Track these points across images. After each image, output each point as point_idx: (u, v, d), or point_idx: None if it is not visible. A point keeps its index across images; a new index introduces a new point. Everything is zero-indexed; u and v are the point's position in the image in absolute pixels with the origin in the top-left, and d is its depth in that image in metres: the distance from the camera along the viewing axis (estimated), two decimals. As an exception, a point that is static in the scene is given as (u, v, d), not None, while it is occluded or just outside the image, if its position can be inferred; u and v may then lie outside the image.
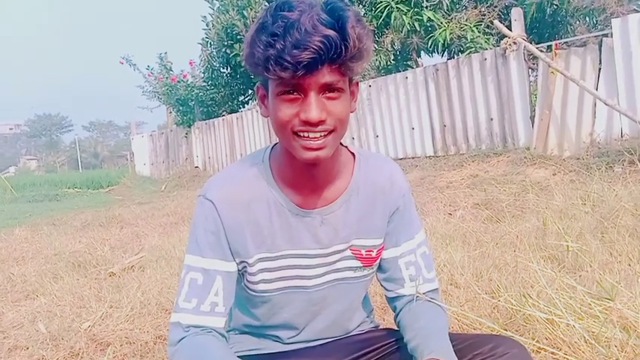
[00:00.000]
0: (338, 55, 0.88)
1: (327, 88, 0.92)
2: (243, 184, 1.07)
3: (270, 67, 0.88)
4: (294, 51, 0.85)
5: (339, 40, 0.87)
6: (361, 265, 1.15)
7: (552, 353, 1.46)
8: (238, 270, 1.10)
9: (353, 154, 1.15)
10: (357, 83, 1.04)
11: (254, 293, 1.12)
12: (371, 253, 1.15)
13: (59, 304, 2.72)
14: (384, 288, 1.21)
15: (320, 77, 0.90)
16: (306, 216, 1.08)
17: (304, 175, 1.06)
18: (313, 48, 0.86)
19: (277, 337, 1.19)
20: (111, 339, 2.11)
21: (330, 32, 0.87)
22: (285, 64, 0.86)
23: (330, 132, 0.95)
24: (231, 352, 1.06)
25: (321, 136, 0.94)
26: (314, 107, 0.91)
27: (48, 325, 2.34)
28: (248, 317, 1.19)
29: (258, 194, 1.07)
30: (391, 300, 1.22)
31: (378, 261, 1.17)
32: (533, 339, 1.51)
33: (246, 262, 1.08)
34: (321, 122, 0.93)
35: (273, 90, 0.94)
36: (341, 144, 1.11)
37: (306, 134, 0.94)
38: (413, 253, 1.18)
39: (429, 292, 1.17)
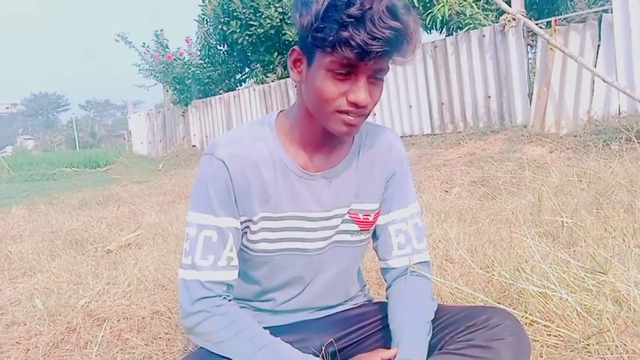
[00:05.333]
0: (400, 48, 0.93)
1: (375, 74, 0.97)
2: (250, 144, 1.08)
3: (339, 47, 0.90)
4: (367, 37, 0.88)
5: (403, 34, 0.91)
6: (358, 229, 1.18)
7: (545, 326, 1.47)
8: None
9: None
10: None
11: (254, 253, 1.14)
12: (368, 217, 1.18)
13: (56, 281, 2.72)
14: (377, 256, 1.24)
15: (376, 64, 0.94)
16: (310, 178, 1.11)
17: (317, 140, 1.09)
18: (385, 39, 0.89)
19: (273, 299, 1.21)
20: (108, 314, 2.12)
21: (398, 25, 0.90)
22: (356, 49, 0.89)
23: (365, 115, 1.01)
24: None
25: (359, 116, 0.99)
26: (364, 90, 0.96)
27: (45, 302, 2.35)
28: (245, 283, 1.20)
29: (264, 154, 1.09)
30: (383, 272, 1.25)
31: (374, 226, 1.20)
32: (526, 312, 1.52)
33: (251, 221, 1.10)
34: (367, 105, 0.98)
35: (324, 64, 0.95)
36: None
37: (347, 113, 0.98)
38: (405, 222, 1.20)
39: (418, 263, 1.19)
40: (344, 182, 1.13)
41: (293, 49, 1.03)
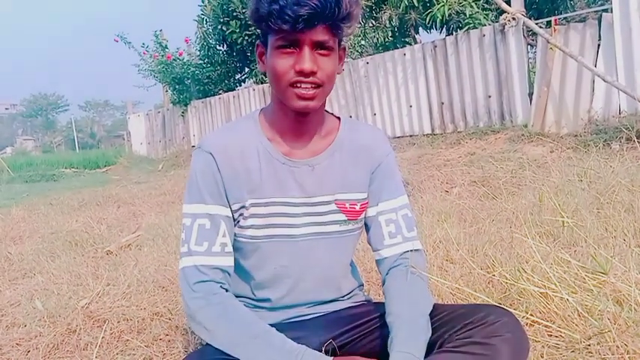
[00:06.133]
0: (331, 14, 1.01)
1: (320, 46, 1.05)
2: (235, 136, 1.18)
3: (273, 20, 1.01)
4: (295, 7, 0.99)
5: (333, 2, 1.00)
6: (346, 218, 1.22)
7: (546, 326, 1.47)
8: (234, 217, 1.18)
9: (339, 118, 1.26)
10: (345, 49, 1.16)
11: (244, 239, 1.19)
12: (354, 206, 1.22)
13: (56, 282, 2.72)
14: (371, 248, 1.28)
15: (314, 34, 1.03)
16: (293, 166, 1.17)
17: (293, 126, 1.17)
18: (312, 5, 0.99)
19: (268, 294, 1.22)
20: (108, 316, 2.11)
21: None
22: (287, 17, 1.00)
23: (319, 86, 1.08)
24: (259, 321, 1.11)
25: (311, 87, 1.07)
26: (307, 59, 1.04)
27: (45, 303, 2.34)
28: (239, 277, 1.24)
29: (249, 144, 1.17)
30: (378, 264, 1.27)
31: (362, 216, 1.25)
32: (527, 312, 1.52)
33: (244, 207, 1.16)
34: (313, 73, 1.05)
35: (272, 44, 1.07)
36: (327, 111, 1.22)
37: (299, 84, 1.06)
38: (394, 212, 1.24)
39: (409, 251, 1.22)
40: (327, 171, 1.19)
41: (257, 44, 1.15)
